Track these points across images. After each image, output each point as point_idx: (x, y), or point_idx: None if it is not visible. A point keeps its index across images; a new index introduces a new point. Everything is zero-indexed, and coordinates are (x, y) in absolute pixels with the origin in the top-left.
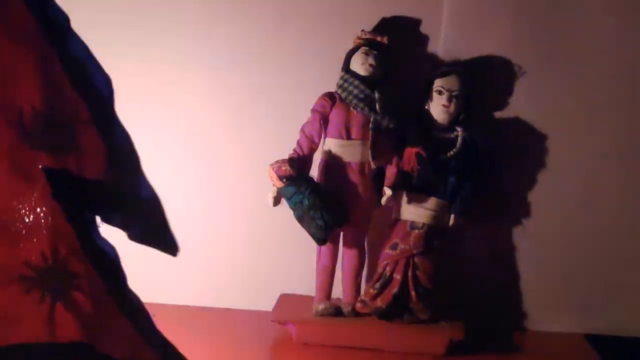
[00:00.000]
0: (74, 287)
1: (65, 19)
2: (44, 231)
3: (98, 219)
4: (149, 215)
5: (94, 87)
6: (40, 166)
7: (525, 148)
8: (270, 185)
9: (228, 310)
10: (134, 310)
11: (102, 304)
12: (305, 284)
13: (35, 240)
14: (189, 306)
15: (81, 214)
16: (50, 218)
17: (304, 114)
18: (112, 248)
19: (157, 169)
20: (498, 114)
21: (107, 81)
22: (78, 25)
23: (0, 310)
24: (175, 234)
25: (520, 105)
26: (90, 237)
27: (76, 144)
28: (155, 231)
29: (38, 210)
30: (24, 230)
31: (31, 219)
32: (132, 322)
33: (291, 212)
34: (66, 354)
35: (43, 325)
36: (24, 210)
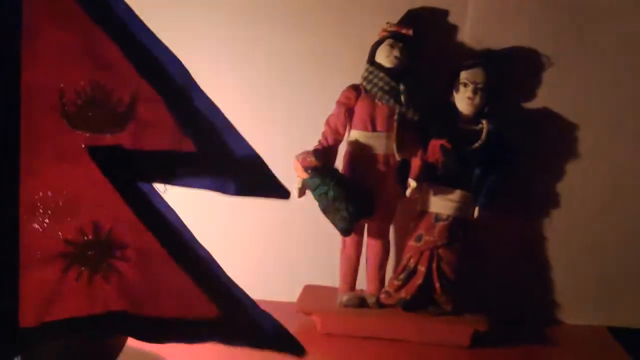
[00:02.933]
0: (117, 258)
1: (128, 9)
2: (83, 208)
3: (160, 186)
4: (248, 170)
5: (160, 67)
6: (83, 145)
7: (552, 140)
8: (295, 176)
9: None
10: (199, 265)
11: (155, 268)
12: (330, 275)
13: (74, 217)
14: None
15: (136, 185)
16: (91, 194)
17: (330, 107)
18: (173, 211)
19: None
20: (524, 106)
21: (174, 61)
22: None
23: (42, 289)
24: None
25: (547, 97)
26: (149, 204)
27: (134, 120)
28: (259, 182)
29: (79, 187)
30: (64, 209)
31: (72, 197)
32: (194, 278)
33: (316, 203)
34: (105, 324)
35: (82, 299)
36: (64, 190)
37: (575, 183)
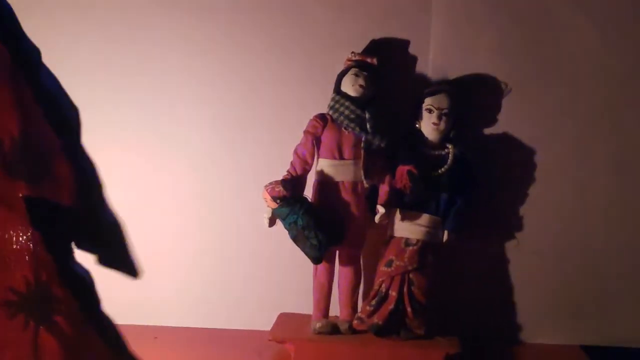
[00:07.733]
0: (55, 311)
1: (37, 53)
2: (27, 257)
3: (73, 244)
4: (111, 240)
5: (64, 118)
6: (20, 195)
7: (516, 163)
8: (266, 206)
9: (228, 331)
10: (107, 331)
11: (79, 325)
12: (305, 302)
13: (19, 266)
14: (189, 327)
15: (58, 241)
16: (32, 245)
17: (298, 136)
18: (87, 273)
19: (156, 188)
20: (488, 130)
21: (75, 112)
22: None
23: None
24: (137, 257)
25: (510, 121)
26: (67, 262)
27: (51, 172)
28: (117, 255)
29: (21, 237)
30: (8, 257)
31: (16, 246)
32: (105, 343)
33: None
34: None
35: (28, 349)
36: (8, 237)
37: (541, 204)
